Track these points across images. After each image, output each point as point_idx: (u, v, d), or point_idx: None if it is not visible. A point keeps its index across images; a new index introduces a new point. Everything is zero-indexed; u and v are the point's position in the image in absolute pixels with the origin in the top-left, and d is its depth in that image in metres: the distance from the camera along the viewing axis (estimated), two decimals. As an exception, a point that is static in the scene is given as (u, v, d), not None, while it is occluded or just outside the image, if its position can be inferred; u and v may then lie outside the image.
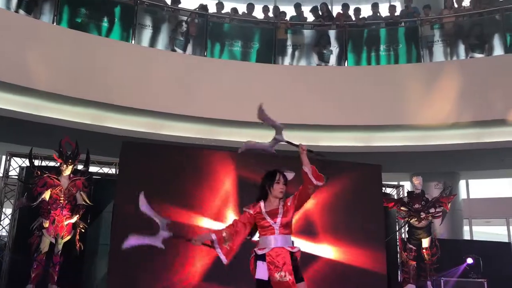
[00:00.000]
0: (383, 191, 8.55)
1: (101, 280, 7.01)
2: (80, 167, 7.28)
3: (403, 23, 10.65)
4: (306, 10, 11.04)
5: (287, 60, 10.32)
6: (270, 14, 10.86)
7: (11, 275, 6.95)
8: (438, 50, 10.07)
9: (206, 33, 10.00)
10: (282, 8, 11.27)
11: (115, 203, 6.82)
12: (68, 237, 6.75)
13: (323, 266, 7.01)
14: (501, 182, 13.40)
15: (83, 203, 6.91)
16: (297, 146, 3.73)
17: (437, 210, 7.85)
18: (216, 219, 6.79)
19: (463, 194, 12.23)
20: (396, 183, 10.11)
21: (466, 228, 12.40)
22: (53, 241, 6.64)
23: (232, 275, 6.48)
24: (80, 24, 9.07)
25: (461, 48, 9.99)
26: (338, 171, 7.36)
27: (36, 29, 8.45)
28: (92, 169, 7.87)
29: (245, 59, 10.03)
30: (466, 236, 12.09)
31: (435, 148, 9.48)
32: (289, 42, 10.39)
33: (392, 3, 11.65)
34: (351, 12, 10.82)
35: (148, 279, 6.38)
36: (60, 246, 6.67)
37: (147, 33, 9.65)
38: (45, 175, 6.77)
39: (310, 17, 11.02)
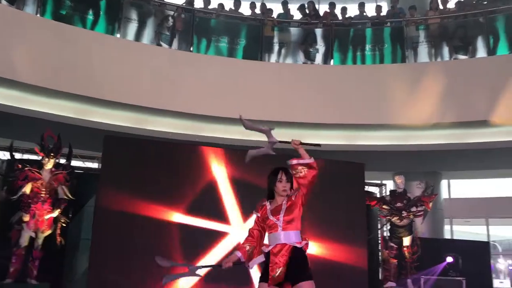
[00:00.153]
0: (366, 189, 8.62)
1: (82, 275, 6.95)
2: (62, 161, 7.20)
3: (389, 23, 10.73)
4: (293, 8, 11.05)
5: (273, 58, 10.33)
6: (257, 10, 10.86)
7: (-11, 269, 6.85)
8: (423, 50, 10.17)
9: (192, 28, 9.95)
10: (269, 5, 11.29)
11: (97, 197, 6.76)
12: (49, 232, 6.67)
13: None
14: (482, 182, 13.59)
15: (65, 197, 6.83)
16: (289, 142, 3.71)
17: (419, 209, 7.95)
18: (196, 215, 6.78)
19: (444, 194, 12.38)
20: (379, 181, 10.19)
21: (447, 228, 12.56)
22: (33, 235, 6.56)
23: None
24: (65, 16, 8.96)
25: (445, 49, 10.10)
26: (322, 169, 7.37)
27: (19, 20, 8.31)
28: (75, 163, 7.78)
29: (231, 56, 10.01)
30: (447, 235, 12.25)
31: (418, 148, 9.58)
32: (275, 40, 10.40)
33: (378, 3, 11.72)
34: (337, 11, 10.87)
35: (130, 275, 6.34)
36: (40, 241, 6.59)
37: (132, 27, 9.57)
38: (26, 169, 6.68)
39: (297, 15, 11.04)
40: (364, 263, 7.45)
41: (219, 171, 7.15)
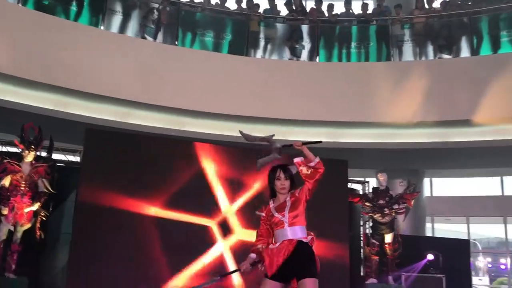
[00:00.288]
0: (349, 186, 8.65)
1: (61, 270, 6.85)
2: (43, 154, 7.08)
3: (374, 21, 10.77)
4: (280, 3, 11.02)
5: (259, 53, 10.30)
6: (244, 5, 10.80)
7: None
8: (408, 49, 10.23)
9: (177, 21, 9.87)
10: (255, 0, 11.23)
11: (78, 191, 6.68)
12: (28, 225, 6.56)
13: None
14: (463, 181, 13.77)
15: (45, 190, 6.73)
16: (291, 145, 3.67)
17: (401, 206, 8.01)
18: (179, 210, 6.73)
19: (426, 192, 12.50)
20: (362, 179, 10.24)
21: (428, 225, 12.70)
22: (12, 229, 6.45)
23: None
24: (47, 7, 8.82)
25: (430, 48, 10.18)
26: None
27: (0, 9, 8.15)
28: (56, 156, 7.66)
29: (217, 50, 9.96)
30: (428, 233, 12.38)
31: (401, 146, 9.64)
32: (261, 35, 10.38)
33: (364, 1, 11.75)
34: (324, 8, 10.86)
35: (110, 270, 6.27)
36: (19, 234, 6.48)
37: (117, 19, 9.46)
38: (5, 161, 6.56)
39: (284, 11, 11.01)
40: (346, 259, 7.49)
41: (203, 166, 7.10)
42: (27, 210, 6.53)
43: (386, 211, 7.95)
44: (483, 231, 18.10)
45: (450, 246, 9.18)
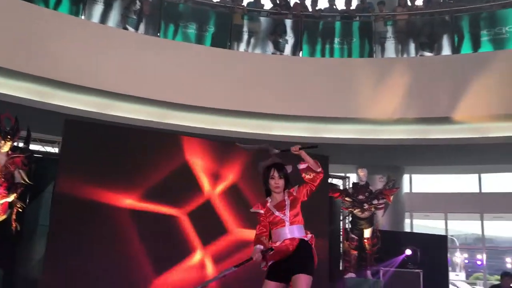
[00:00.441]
0: (329, 181, 8.68)
1: (37, 262, 6.74)
2: (21, 144, 6.95)
3: (358, 17, 10.81)
4: (264, -3, 11.01)
5: (242, 46, 10.26)
6: (227, -2, 10.76)
7: None
8: (390, 46, 10.30)
9: (160, 13, 9.77)
10: (239, -7, 11.19)
11: (56, 183, 6.57)
12: (4, 217, 6.42)
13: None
14: (442, 178, 13.95)
15: (22, 181, 6.60)
16: (288, 150, 3.70)
17: (380, 202, 8.07)
18: (159, 203, 6.68)
19: (406, 188, 12.64)
20: (342, 174, 10.30)
21: (407, 221, 12.85)
22: (-13, 220, 6.32)
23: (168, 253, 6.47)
24: (26, -5, 8.62)
25: (412, 45, 10.26)
26: (287, 160, 7.38)
27: (-23, -4, 7.98)
28: (34, 147, 7.53)
29: (199, 43, 9.89)
30: (407, 229, 12.53)
31: (381, 142, 9.72)
32: (245, 28, 10.33)
33: (348, -3, 11.79)
34: (308, 3, 10.87)
35: (88, 262, 6.19)
36: (-6, 226, 6.36)
37: (98, 9, 9.32)
38: (-20, 151, 6.41)
39: (268, 5, 10.99)
40: (325, 253, 7.50)
41: (185, 159, 7.04)
42: (2, 201, 6.39)
43: (366, 206, 8.01)
44: (461, 227, 18.41)
45: (428, 241, 9.29)
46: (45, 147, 8.05)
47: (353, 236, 8.13)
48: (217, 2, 10.63)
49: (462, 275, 21.02)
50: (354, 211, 8.14)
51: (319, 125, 9.72)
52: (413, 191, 13.53)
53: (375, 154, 10.31)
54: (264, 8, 10.92)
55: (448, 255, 10.56)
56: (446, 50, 9.95)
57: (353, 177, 9.94)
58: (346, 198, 8.20)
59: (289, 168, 3.75)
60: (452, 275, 17.47)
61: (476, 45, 9.79)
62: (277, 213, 3.60)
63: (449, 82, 9.21)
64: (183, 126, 9.23)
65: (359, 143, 9.75)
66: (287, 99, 9.35)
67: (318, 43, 10.34)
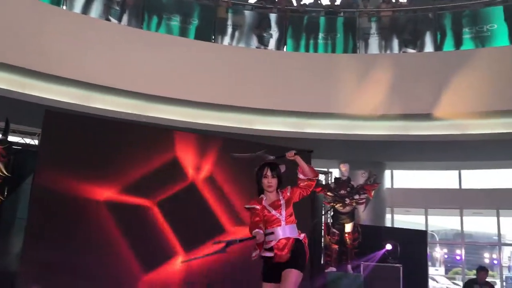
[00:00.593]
0: (311, 176, 8.69)
1: (15, 256, 6.64)
2: (-1, 136, 6.82)
3: (342, 13, 10.83)
4: (249, -10, 10.96)
5: (226, 40, 10.22)
6: (212, -9, 10.68)
7: None
8: (374, 42, 10.35)
9: (143, 4, 9.66)
10: (224, -14, 11.11)
11: (35, 175, 6.47)
12: (-19, 209, 6.33)
13: (248, 245, 7.02)
14: (422, 174, 14.10)
15: (0, 173, 6.49)
16: (284, 156, 3.74)
17: (361, 197, 8.11)
18: (139, 196, 6.62)
19: (387, 184, 12.74)
20: (325, 169, 10.34)
21: (388, 216, 12.96)
22: (-37, 212, 6.21)
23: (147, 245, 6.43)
24: (5, -18, 8.44)
25: (395, 42, 10.32)
26: (270, 155, 7.38)
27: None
28: (13, 138, 7.39)
29: (183, 35, 9.82)
30: (388, 224, 12.63)
31: (364, 138, 9.77)
32: (229, 22, 10.29)
33: (333, -8, 11.80)
34: (293, -3, 10.86)
35: (66, 257, 6.11)
36: (-29, 218, 6.25)
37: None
38: (-43, 142, 6.29)
39: (252, -2, 10.96)
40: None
41: (168, 153, 6.99)
42: (-21, 193, 6.30)
43: (347, 201, 8.04)
44: (441, 223, 18.64)
45: (409, 236, 9.37)
46: (24, 138, 7.92)
47: (334, 230, 8.17)
48: (201, -6, 10.55)
49: (442, 269, 21.33)
50: (336, 206, 8.17)
51: (302, 120, 9.74)
52: (394, 186, 13.65)
53: (358, 149, 10.37)
54: (249, 1, 10.88)
55: (428, 250, 10.68)
56: (429, 47, 10.03)
57: (335, 172, 10.00)
58: (328, 193, 8.23)
59: (282, 168, 3.78)
60: (431, 270, 17.73)
61: (458, 42, 9.89)
62: (273, 212, 3.64)
63: (431, 79, 9.29)
64: (165, 119, 9.17)
65: (341, 138, 9.80)
66: (270, 94, 9.34)
67: (303, 38, 10.34)
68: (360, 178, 9.05)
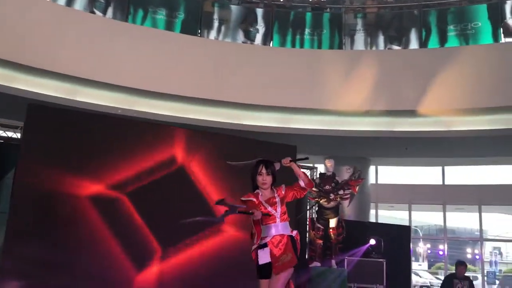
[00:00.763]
0: (297, 171, 8.71)
1: (-3, 250, 6.57)
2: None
3: (328, 9, 10.85)
4: (235, -15, 10.91)
5: (212, 34, 10.17)
6: (198, -16, 10.61)
7: None
8: (359, 39, 10.40)
9: (129, -3, 9.58)
10: (210, -20, 11.04)
11: (16, 169, 6.38)
12: (-38, 203, 6.24)
13: (232, 240, 7.03)
14: (407, 170, 14.22)
15: (-19, 167, 6.41)
16: (280, 161, 3.83)
17: (346, 192, 8.13)
18: (119, 191, 6.58)
19: (371, 179, 12.82)
20: (310, 165, 10.38)
21: (372, 212, 13.06)
22: None
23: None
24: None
25: (381, 39, 10.38)
26: (255, 150, 7.38)
27: None
28: (-5, 132, 7.30)
29: (169, 29, 9.75)
30: (372, 219, 12.73)
31: (349, 134, 9.81)
32: (215, 16, 10.25)
33: (319, -12, 11.82)
34: (279, -8, 10.85)
35: (48, 252, 6.05)
36: (-49, 213, 6.16)
37: (64, -9, 9.06)
38: None
39: (239, -7, 10.90)
40: (291, 243, 7.55)
41: (152, 147, 6.93)
42: (-40, 187, 6.21)
43: (332, 196, 8.06)
44: (424, 218, 18.85)
45: (392, 232, 9.47)
46: (6, 132, 7.82)
47: (318, 225, 8.18)
48: (187, -12, 10.47)
49: (425, 264, 21.60)
50: (320, 201, 8.19)
51: (287, 116, 9.75)
52: (379, 182, 13.74)
53: (343, 145, 10.42)
54: (235, -4, 10.84)
55: (411, 245, 10.79)
56: (414, 44, 10.10)
57: (320, 168, 10.04)
58: (313, 188, 8.23)
59: (277, 166, 3.85)
60: (415, 265, 17.93)
61: (443, 39, 9.98)
62: (269, 208, 3.71)
63: (416, 75, 9.36)
64: (151, 113, 9.11)
65: (327, 134, 9.83)
66: (256, 89, 9.33)
67: (289, 33, 10.34)
68: (345, 174, 9.10)
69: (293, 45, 10.26)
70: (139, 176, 6.72)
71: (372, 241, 8.55)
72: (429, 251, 21.63)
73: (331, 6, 10.86)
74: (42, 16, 8.43)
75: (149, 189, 6.70)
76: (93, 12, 9.23)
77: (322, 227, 8.16)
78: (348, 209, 9.25)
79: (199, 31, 9.94)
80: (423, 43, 9.96)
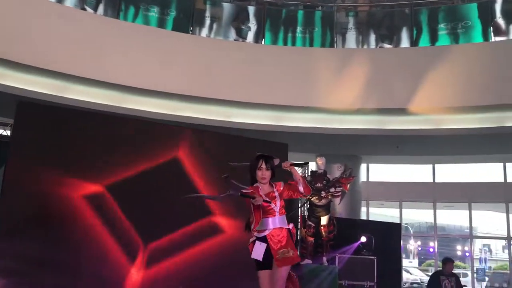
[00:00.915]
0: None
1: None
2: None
3: (320, 7, 10.87)
4: (227, -18, 10.88)
5: (204, 32, 10.16)
6: (190, -18, 10.58)
7: None
8: (351, 37, 10.43)
9: (120, -7, 9.54)
10: (202, -23, 11.02)
11: (6, 167, 6.33)
12: (-50, 201, 6.17)
13: (223, 239, 7.04)
14: (397, 168, 14.29)
15: (-29, 164, 6.35)
16: (280, 166, 3.90)
17: (337, 190, 8.14)
18: (112, 189, 6.56)
19: (363, 177, 12.88)
20: (302, 162, 10.39)
21: (363, 209, 13.12)
22: None
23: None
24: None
25: (372, 37, 10.42)
26: (246, 148, 7.39)
27: None
28: (-16, 129, 7.24)
29: (160, 26, 9.73)
30: (363, 217, 12.79)
31: (340, 132, 9.85)
32: (207, 14, 10.23)
33: (311, -14, 11.83)
34: (271, -10, 10.84)
35: (40, 250, 6.01)
36: None
37: (55, -13, 8.99)
38: None
39: (231, -9, 10.89)
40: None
41: (144, 145, 6.92)
42: (-51, 185, 6.15)
43: (323, 194, 8.07)
44: (415, 216, 18.94)
45: (383, 229, 9.52)
46: (-4, 129, 7.76)
47: (310, 223, 8.21)
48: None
49: (415, 261, 21.74)
50: (312, 199, 8.21)
51: (279, 113, 9.77)
52: (370, 180, 13.80)
53: (334, 143, 10.45)
54: (227, -7, 10.82)
55: (402, 242, 10.85)
56: (405, 43, 10.15)
57: (312, 165, 10.06)
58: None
59: (276, 161, 3.92)
60: (405, 262, 18.04)
61: (433, 38, 10.04)
62: (269, 202, 3.78)
63: (406, 74, 9.42)
64: (142, 111, 9.08)
65: (318, 132, 9.86)
66: (248, 86, 9.33)
67: (281, 31, 10.35)
68: (336, 172, 9.13)
69: (285, 43, 10.28)
70: (131, 173, 6.70)
71: (363, 239, 8.59)
72: (419, 248, 21.78)
73: (323, 4, 10.88)
74: (32, 13, 8.36)
75: (140, 186, 6.68)
76: (84, 9, 9.17)
77: (313, 224, 8.18)
78: (339, 207, 9.29)
79: (191, 28, 9.91)
80: (414, 42, 10.02)
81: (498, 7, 9.79)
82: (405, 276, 15.63)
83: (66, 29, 8.55)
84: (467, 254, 17.64)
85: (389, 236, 9.43)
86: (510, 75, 8.85)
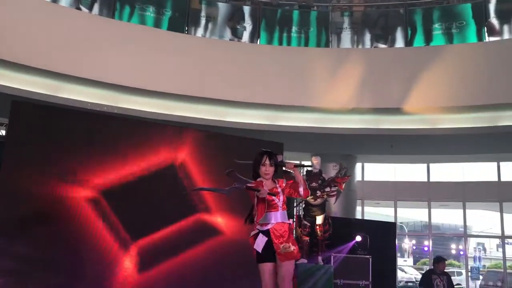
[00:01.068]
0: (284, 168, 8.73)
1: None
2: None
3: (315, 7, 10.89)
4: (222, -18, 10.88)
5: (200, 32, 10.16)
6: (185, -19, 10.58)
7: None
8: (346, 37, 10.46)
9: (115, -7, 9.52)
10: (197, -23, 11.02)
11: (1, 166, 6.32)
12: None
13: (218, 239, 7.04)
14: (392, 167, 14.34)
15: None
16: (284, 165, 3.99)
17: (332, 189, 8.17)
18: (105, 189, 6.54)
19: (358, 176, 12.92)
20: (297, 162, 10.42)
21: (358, 208, 13.15)
22: None
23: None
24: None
25: (367, 37, 10.45)
26: (241, 147, 7.39)
27: None
28: (-21, 129, 7.23)
29: (156, 26, 9.72)
30: (358, 216, 12.83)
31: (335, 131, 9.88)
32: (203, 13, 10.23)
33: (307, -14, 11.85)
34: (267, -10, 10.86)
35: (31, 250, 6.00)
36: None
37: (50, -13, 8.97)
38: None
39: (226, -10, 10.89)
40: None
41: (138, 145, 6.90)
42: None
43: (318, 193, 8.09)
44: (410, 215, 19.01)
45: (378, 228, 9.55)
46: (-10, 129, 7.75)
47: (305, 222, 8.23)
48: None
49: (410, 260, 21.83)
50: (307, 198, 8.24)
51: (274, 113, 9.78)
52: (365, 179, 13.85)
53: (329, 142, 10.48)
54: (223, -7, 10.83)
55: (397, 241, 10.90)
56: (400, 43, 10.19)
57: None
58: (300, 187, 8.26)
59: (279, 157, 3.99)
60: (400, 261, 18.11)
61: (428, 38, 10.08)
62: (273, 197, 3.84)
63: (401, 74, 9.45)
64: (137, 110, 9.07)
65: (313, 131, 9.88)
66: (243, 86, 9.34)
67: (276, 31, 10.37)
68: (332, 171, 9.16)
69: (280, 43, 10.30)
70: (125, 174, 6.69)
71: (358, 238, 8.63)
72: (414, 247, 21.88)
73: (318, 4, 10.90)
74: (27, 12, 8.33)
75: (136, 186, 6.68)
76: (79, 9, 9.15)
77: (308, 224, 8.20)
78: (335, 206, 9.32)
79: (186, 28, 9.91)
80: (408, 42, 10.06)
81: (492, 7, 9.85)
82: (400, 275, 15.69)
83: (61, 29, 8.53)
84: (461, 252, 17.73)
85: (384, 235, 9.47)
86: (504, 75, 8.90)
